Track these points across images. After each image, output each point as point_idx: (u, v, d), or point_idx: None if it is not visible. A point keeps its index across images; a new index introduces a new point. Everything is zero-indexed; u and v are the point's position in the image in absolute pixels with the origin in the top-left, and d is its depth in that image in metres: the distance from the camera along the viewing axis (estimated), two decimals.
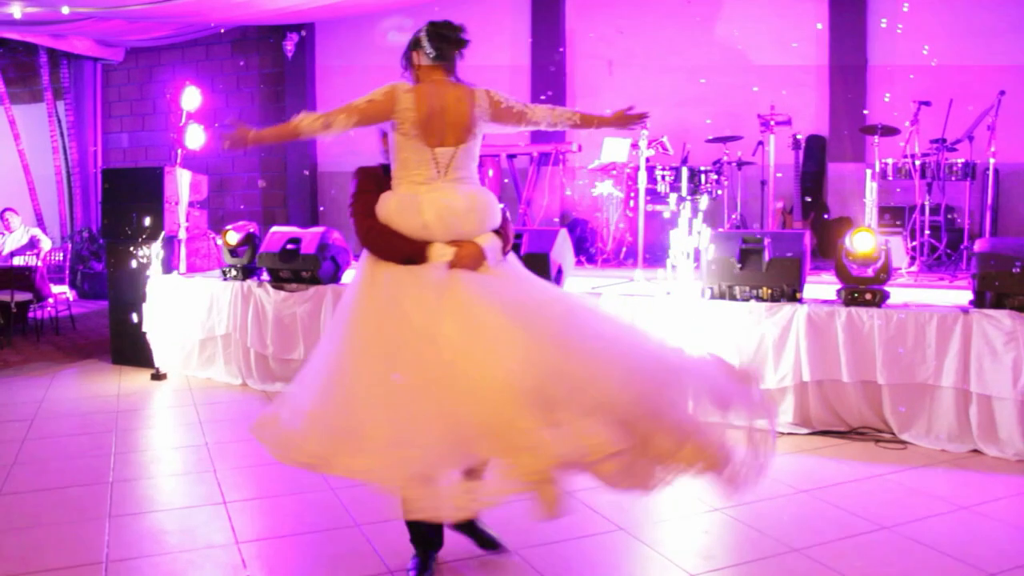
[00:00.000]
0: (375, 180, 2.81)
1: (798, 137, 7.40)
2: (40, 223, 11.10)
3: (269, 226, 6.59)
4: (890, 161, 6.75)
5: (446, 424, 2.34)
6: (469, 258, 2.63)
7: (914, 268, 6.37)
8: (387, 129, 2.74)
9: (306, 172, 10.70)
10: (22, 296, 7.60)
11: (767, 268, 4.59)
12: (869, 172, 6.59)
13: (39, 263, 8.34)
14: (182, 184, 6.68)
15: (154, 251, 6.33)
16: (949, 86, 7.14)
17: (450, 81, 2.78)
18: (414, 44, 2.78)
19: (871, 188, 6.49)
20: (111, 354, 6.73)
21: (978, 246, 4.41)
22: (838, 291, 4.51)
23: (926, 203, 6.58)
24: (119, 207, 6.67)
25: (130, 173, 7.38)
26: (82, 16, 8.69)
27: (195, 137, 6.78)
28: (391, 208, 2.70)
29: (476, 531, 2.96)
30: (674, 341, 3.00)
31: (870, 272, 4.43)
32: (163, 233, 6.44)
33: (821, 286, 5.12)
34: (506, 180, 8.48)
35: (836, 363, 4.35)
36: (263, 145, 3.21)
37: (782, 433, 4.41)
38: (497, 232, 2.75)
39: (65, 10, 8.03)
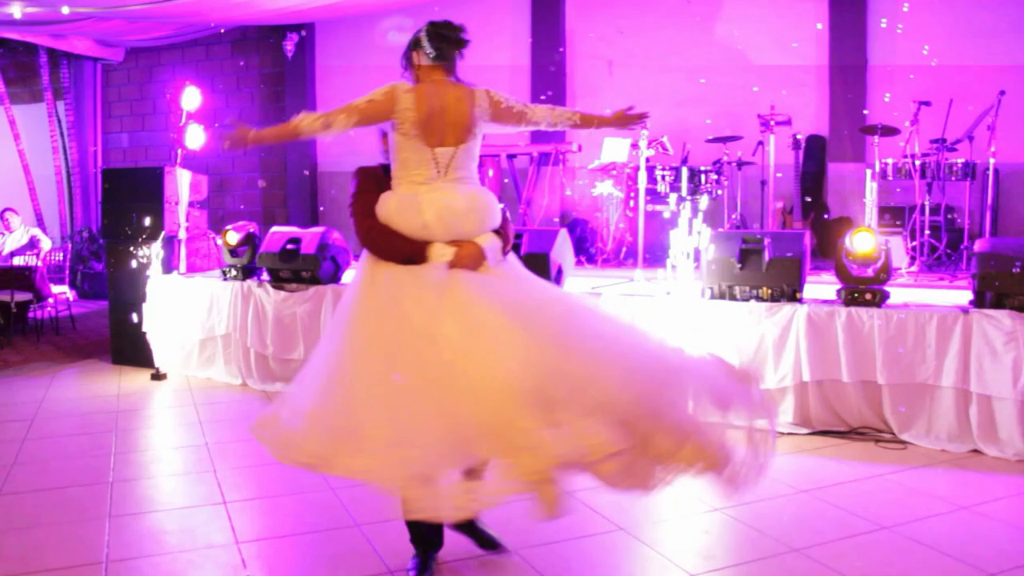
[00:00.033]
0: (375, 180, 2.81)
1: (798, 137, 7.40)
2: (40, 223, 11.10)
3: (269, 226, 6.59)
4: (890, 161, 6.75)
5: (446, 424, 2.34)
6: (469, 258, 2.63)
7: (914, 268, 6.37)
8: (387, 129, 2.74)
9: (306, 172, 10.70)
10: (22, 296, 7.60)
11: (767, 268, 4.59)
12: (869, 172, 6.59)
13: (39, 263, 8.34)
14: (182, 184, 6.68)
15: (154, 251, 6.33)
16: (949, 86, 7.14)
17: (450, 81, 2.78)
18: (414, 44, 2.78)
19: (871, 188, 6.49)
20: (111, 354, 6.73)
21: (978, 246, 4.41)
22: (838, 291, 4.51)
23: (926, 203, 6.58)
24: (119, 207, 6.67)
25: (130, 173, 7.38)
26: (82, 16, 8.69)
27: (195, 137, 6.78)
28: (391, 208, 2.70)
29: (476, 531, 2.96)
30: (674, 341, 3.00)
31: (870, 272, 4.43)
32: (163, 233, 6.44)
33: (821, 286, 5.12)
34: (506, 180, 8.48)
35: (836, 363, 4.35)
36: (263, 145, 3.21)
37: (782, 433, 4.41)
38: (497, 232, 2.75)
39: (65, 10, 8.03)
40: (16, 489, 3.82)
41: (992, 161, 6.35)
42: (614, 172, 7.77)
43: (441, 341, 2.43)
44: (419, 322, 2.49)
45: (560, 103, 9.03)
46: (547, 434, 2.24)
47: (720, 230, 5.66)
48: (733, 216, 7.80)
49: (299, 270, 5.73)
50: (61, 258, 9.00)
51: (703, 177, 7.41)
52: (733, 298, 4.67)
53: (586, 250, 7.89)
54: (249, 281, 5.93)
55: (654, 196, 7.24)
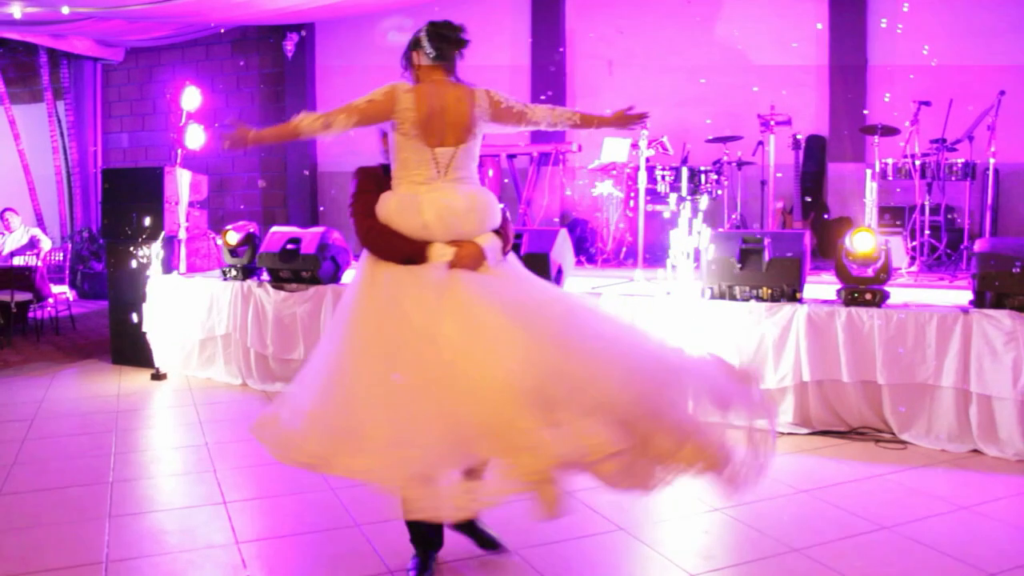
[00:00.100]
0: (375, 180, 2.81)
1: (798, 137, 7.40)
2: (40, 223, 11.10)
3: (269, 226, 6.59)
4: (890, 161, 6.75)
5: (446, 424, 2.34)
6: (469, 258, 2.63)
7: (914, 268, 6.37)
8: (387, 129, 2.75)
9: (306, 172, 10.70)
10: (22, 296, 7.60)
11: (767, 268, 4.59)
12: (869, 172, 6.59)
13: (39, 263, 8.34)
14: (182, 184, 6.68)
15: (154, 251, 6.33)
16: (949, 86, 7.14)
17: (450, 81, 2.78)
18: (414, 44, 2.79)
19: (871, 188, 6.49)
20: (111, 354, 6.73)
21: (978, 246, 4.41)
22: (838, 291, 4.51)
23: (926, 203, 6.58)
24: (119, 207, 6.68)
25: (130, 173, 7.39)
26: (82, 16, 8.69)
27: (195, 137, 6.78)
28: (391, 208, 2.71)
29: (476, 531, 2.96)
30: (674, 341, 3.00)
31: (870, 272, 4.43)
32: (163, 233, 6.44)
33: (821, 286, 5.12)
34: (506, 180, 8.48)
35: (836, 363, 4.35)
36: (263, 145, 3.21)
37: (782, 433, 4.41)
38: (497, 232, 2.75)
39: (65, 10, 8.03)
40: (16, 489, 3.82)
41: (992, 161, 6.35)
42: (614, 172, 7.77)
43: (441, 341, 2.43)
44: (419, 322, 2.49)
45: (560, 103, 9.03)
46: (547, 434, 2.24)
47: (720, 230, 5.66)
48: (733, 216, 7.80)
49: (299, 270, 5.73)
50: (61, 258, 9.00)
51: (703, 177, 7.42)
52: (733, 298, 4.67)
53: (586, 250, 7.89)
54: (249, 281, 5.93)
55: (654, 196, 7.24)
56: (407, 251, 2.65)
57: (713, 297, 4.72)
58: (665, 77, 8.79)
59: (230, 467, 4.12)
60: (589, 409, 2.28)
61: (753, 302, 4.58)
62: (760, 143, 7.56)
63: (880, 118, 7.27)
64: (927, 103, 6.60)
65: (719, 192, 7.57)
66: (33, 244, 8.86)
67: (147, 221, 6.47)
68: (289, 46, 10.44)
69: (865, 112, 8.14)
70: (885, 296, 4.42)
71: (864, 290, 4.40)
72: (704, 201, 7.20)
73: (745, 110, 7.92)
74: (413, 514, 2.57)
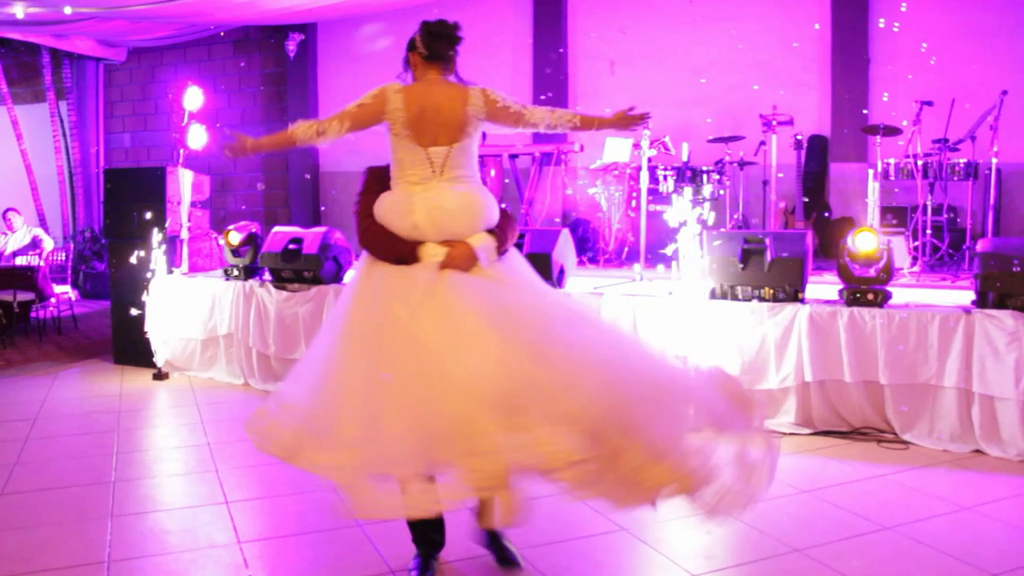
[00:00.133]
0: (378, 180, 2.83)
1: (799, 137, 7.40)
2: (42, 223, 11.11)
3: (271, 226, 6.60)
4: (892, 161, 6.74)
5: (410, 424, 2.34)
6: (460, 259, 2.63)
7: (916, 268, 6.36)
8: (383, 131, 2.76)
9: (307, 173, 10.71)
10: (24, 296, 7.60)
11: (769, 268, 4.58)
12: (871, 172, 6.58)
13: (41, 263, 8.35)
14: (184, 184, 6.69)
15: (156, 251, 6.33)
16: (951, 86, 7.12)
17: (444, 80, 2.79)
18: (411, 45, 2.81)
19: (873, 188, 6.49)
20: (113, 354, 6.74)
21: (980, 246, 4.40)
22: (840, 291, 4.51)
23: (928, 203, 6.57)
24: (121, 207, 6.69)
25: (132, 173, 7.41)
26: (84, 16, 8.70)
27: (197, 137, 6.78)
28: (384, 208, 2.73)
29: (499, 546, 2.92)
30: (677, 352, 2.98)
31: (872, 272, 4.42)
32: (165, 233, 6.45)
33: (823, 286, 5.12)
34: (507, 180, 8.48)
35: (838, 363, 4.35)
36: (262, 153, 3.24)
37: (784, 433, 4.41)
38: (492, 232, 2.75)
39: (68, 10, 8.03)
40: (18, 488, 3.82)
41: (994, 161, 6.34)
42: (616, 172, 7.77)
43: (420, 341, 2.44)
44: (403, 322, 2.50)
45: (561, 103, 9.04)
46: (504, 439, 2.23)
47: (722, 230, 5.66)
48: (735, 216, 7.79)
49: (301, 270, 5.74)
50: (63, 258, 9.00)
51: (705, 177, 7.41)
52: (735, 298, 4.66)
53: (588, 250, 7.89)
54: (251, 281, 5.94)
55: (656, 196, 7.24)
56: (399, 251, 2.66)
57: (715, 297, 4.72)
58: (666, 77, 8.79)
59: (232, 467, 4.12)
60: (556, 417, 2.25)
61: (755, 302, 4.58)
62: (762, 143, 7.55)
63: (882, 118, 7.26)
64: (929, 103, 6.59)
65: (721, 192, 7.56)
66: (35, 244, 8.87)
67: (149, 221, 6.48)
68: (291, 46, 10.44)
69: (866, 112, 8.13)
70: (887, 296, 4.41)
71: (866, 290, 4.40)
72: (707, 201, 7.21)
73: (747, 110, 7.92)
74: (365, 513, 2.60)
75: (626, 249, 7.67)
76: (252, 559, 3.05)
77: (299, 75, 10.71)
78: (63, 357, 7.02)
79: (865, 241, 4.46)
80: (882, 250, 4.44)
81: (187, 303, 6.15)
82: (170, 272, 6.38)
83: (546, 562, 2.95)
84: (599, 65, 9.35)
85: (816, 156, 8.40)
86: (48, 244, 8.98)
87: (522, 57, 9.55)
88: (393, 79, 2.81)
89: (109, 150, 11.79)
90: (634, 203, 7.46)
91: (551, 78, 9.34)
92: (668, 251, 5.46)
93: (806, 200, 7.74)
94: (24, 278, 7.65)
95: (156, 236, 6.36)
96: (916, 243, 6.54)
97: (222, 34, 10.71)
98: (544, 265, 4.93)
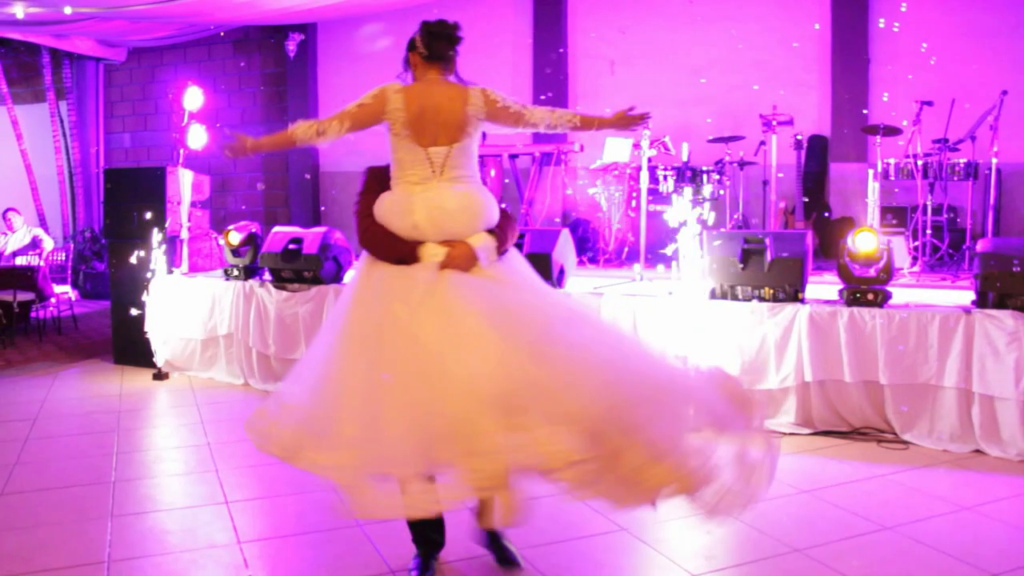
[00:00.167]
0: (378, 180, 2.83)
1: (799, 137, 7.40)
2: (42, 223, 11.11)
3: (271, 226, 6.60)
4: (892, 161, 6.74)
5: (410, 424, 2.34)
6: (460, 259, 2.63)
7: (916, 268, 6.36)
8: (383, 131, 2.76)
9: (307, 173, 10.71)
10: (24, 296, 7.60)
11: (769, 268, 4.58)
12: (871, 172, 6.58)
13: (41, 263, 8.35)
14: (184, 184, 6.69)
15: (156, 251, 6.33)
16: (951, 86, 7.12)
17: (444, 80, 2.79)
18: (411, 45, 2.81)
19: (873, 188, 6.49)
20: (113, 354, 6.74)
21: (980, 246, 4.40)
22: (840, 291, 4.51)
23: (928, 203, 6.57)
24: (121, 207, 6.69)
25: (132, 173, 7.41)
26: (84, 16, 8.70)
27: (197, 137, 6.78)
28: (384, 208, 2.73)
29: (499, 546, 2.92)
30: (677, 353, 2.98)
31: (872, 272, 4.42)
32: (165, 233, 6.45)
33: (823, 286, 5.12)
34: (507, 180, 8.48)
35: (838, 363, 4.35)
36: (262, 153, 3.25)
37: (784, 433, 4.41)
38: (492, 232, 2.75)
39: (68, 10, 8.03)
40: (18, 488, 3.82)
41: (994, 161, 6.34)
42: (616, 172, 7.77)
43: (421, 341, 2.44)
44: (403, 322, 2.50)
45: (561, 103, 9.04)
46: (503, 439, 2.23)
47: (722, 230, 5.66)
48: (735, 216, 7.79)
49: (301, 270, 5.74)
50: (63, 258, 9.00)
51: (705, 177, 7.41)
52: (735, 298, 4.66)
53: (588, 250, 7.89)
54: (251, 281, 5.94)
55: (656, 196, 7.24)
56: (399, 251, 2.66)
57: (715, 297, 4.72)
58: (666, 77, 8.79)
59: (232, 467, 4.12)
60: (556, 417, 2.26)
61: (755, 302, 4.58)
62: (762, 143, 7.55)
63: (882, 118, 7.26)
64: (929, 103, 6.59)
65: (721, 192, 7.56)
66: (35, 244, 8.87)
67: (149, 221, 6.48)
68: (291, 46, 10.44)
69: (865, 112, 8.13)
70: (887, 296, 4.42)
71: (866, 290, 4.40)
72: (706, 201, 7.21)
73: (747, 110, 7.92)
74: (367, 514, 2.60)
75: (626, 249, 7.67)
76: (252, 559, 3.05)
77: (299, 75, 10.70)
78: (63, 357, 7.02)
79: (865, 241, 4.46)
80: (882, 250, 4.44)
81: (187, 303, 6.15)
82: (170, 272, 6.38)
83: (546, 562, 2.95)
84: (599, 65, 9.35)
85: (816, 156, 8.40)
86: (48, 244, 8.98)
87: (522, 57, 9.55)
88: (393, 79, 2.81)
89: (109, 150, 11.79)
90: (634, 203, 7.46)
91: (551, 78, 9.34)
92: (668, 251, 5.46)
93: (806, 200, 7.74)
94: (24, 278, 7.65)
95: (156, 236, 6.36)
96: (916, 243, 6.54)
97: (222, 34, 10.71)
98: (544, 265, 4.93)
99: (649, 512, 3.32)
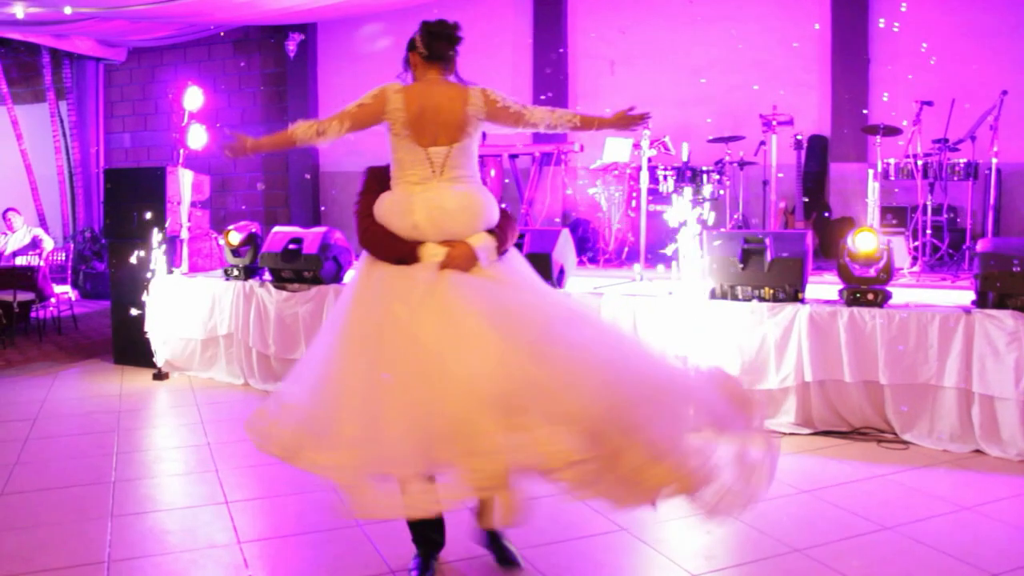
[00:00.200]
0: (378, 180, 2.83)
1: (799, 137, 7.40)
2: (42, 223, 11.11)
3: (271, 226, 6.60)
4: (892, 161, 6.74)
5: (411, 424, 2.34)
6: (460, 259, 2.63)
7: (916, 268, 6.36)
8: (383, 131, 2.76)
9: (307, 173, 10.71)
10: (24, 296, 7.60)
11: (769, 268, 4.58)
12: (871, 172, 6.58)
13: (41, 263, 8.35)
14: (184, 184, 6.69)
15: (156, 251, 6.33)
16: (951, 86, 7.12)
17: (444, 80, 2.79)
18: (411, 45, 2.82)
19: (873, 188, 6.49)
20: (113, 354, 6.74)
21: (980, 246, 4.40)
22: (840, 291, 4.51)
23: (928, 203, 6.57)
24: (121, 207, 6.69)
25: (132, 173, 7.41)
26: (84, 16, 8.70)
27: (197, 137, 6.78)
28: (384, 208, 2.73)
29: (499, 546, 2.92)
30: (677, 352, 2.98)
31: (872, 272, 4.42)
32: (165, 233, 6.45)
33: (823, 286, 5.12)
34: (507, 180, 8.48)
35: (838, 363, 4.35)
36: (262, 153, 3.25)
37: (784, 433, 4.41)
38: (492, 232, 2.75)
39: (68, 10, 8.03)
40: (18, 488, 3.82)
41: (994, 161, 6.34)
42: (616, 172, 7.77)
43: (421, 341, 2.44)
44: (403, 322, 2.50)
45: (561, 103, 9.04)
46: (503, 439, 2.23)
47: (722, 230, 5.66)
48: (735, 216, 7.79)
49: (301, 270, 5.74)
50: (63, 258, 9.00)
51: (705, 177, 7.41)
52: (735, 298, 4.66)
53: (588, 250, 7.89)
54: (251, 281, 5.94)
55: (656, 196, 7.24)
56: (399, 251, 2.66)
57: (715, 297, 4.72)
58: (666, 77, 8.79)
59: (232, 467, 4.12)
60: (556, 417, 2.26)
61: (755, 302, 4.58)
62: (762, 143, 7.55)
63: (882, 118, 7.26)
64: (929, 103, 6.59)
65: (721, 192, 7.56)
66: (35, 244, 8.87)
67: (149, 221, 6.48)
68: (291, 46, 10.44)
69: (865, 112, 8.13)
70: (887, 296, 4.42)
71: (866, 290, 4.40)
72: (706, 201, 7.21)
73: (747, 110, 7.92)
74: (364, 514, 2.60)
75: (626, 249, 7.67)
76: (252, 559, 3.05)
77: (299, 75, 10.70)
78: (63, 357, 7.02)
79: (865, 241, 4.46)
80: (882, 250, 4.44)
81: (187, 303, 6.15)
82: (170, 272, 6.38)
83: (546, 562, 2.95)
84: (599, 65, 9.35)
85: (816, 156, 8.40)
86: (48, 244, 8.98)
87: (522, 57, 9.55)
88: (393, 79, 2.81)
89: (109, 150, 11.79)
90: (634, 203, 7.46)
91: (551, 78, 9.34)
92: (668, 251, 5.46)
93: (806, 200, 7.74)
94: (24, 278, 7.65)
95: (156, 236, 6.36)
96: (916, 243, 6.54)
97: (222, 34, 10.71)
98: (544, 265, 4.93)
99: (649, 512, 3.33)
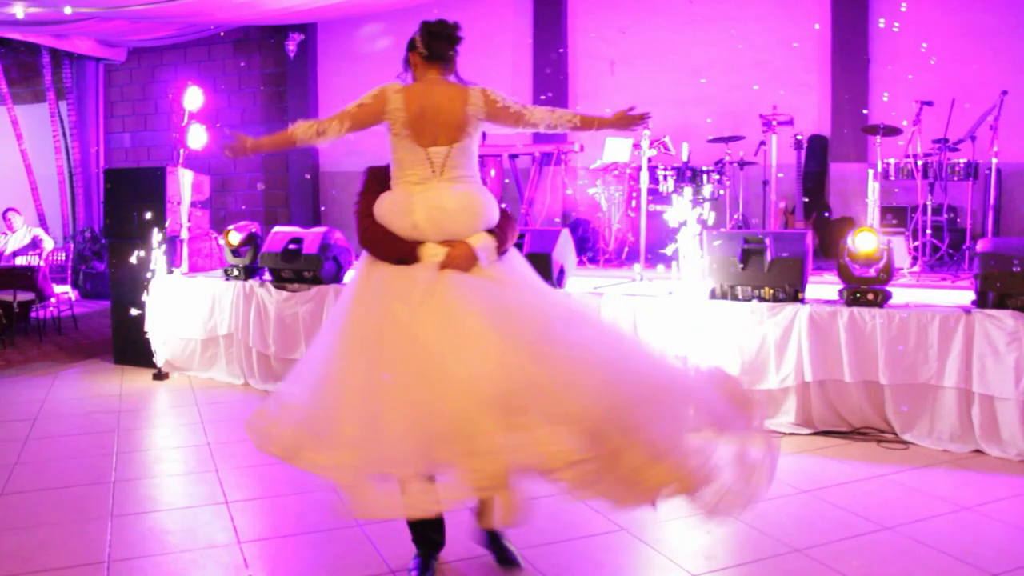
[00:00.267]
0: (378, 180, 2.83)
1: (799, 137, 7.40)
2: (42, 223, 11.11)
3: (271, 226, 6.60)
4: (892, 161, 6.74)
5: (411, 424, 2.34)
6: (460, 259, 2.63)
7: (916, 268, 6.36)
8: (383, 131, 2.76)
9: (307, 173, 10.71)
10: (24, 296, 7.60)
11: (769, 268, 4.59)
12: (871, 172, 6.58)
13: (41, 263, 8.35)
14: (184, 184, 6.69)
15: (156, 251, 6.33)
16: (951, 86, 7.12)
17: (444, 80, 2.79)
18: (411, 45, 2.82)
19: (873, 188, 6.49)
20: (113, 354, 6.74)
21: (980, 246, 4.40)
22: (840, 291, 4.51)
23: (928, 203, 6.57)
24: (121, 207, 6.69)
25: (132, 173, 7.42)
26: (84, 16, 8.70)
27: (197, 137, 6.78)
28: (384, 208, 2.73)
29: (499, 546, 2.92)
30: (677, 352, 2.97)
31: (872, 272, 4.42)
32: (165, 233, 6.45)
33: (823, 286, 5.12)
34: (507, 180, 8.48)
35: (838, 363, 4.35)
36: (262, 152, 3.25)
37: (784, 433, 4.41)
38: (492, 232, 2.75)
39: (68, 10, 8.03)
40: (18, 488, 3.82)
41: (995, 161, 6.34)
42: (616, 172, 7.77)
43: (421, 341, 2.44)
44: (403, 322, 2.50)
45: (561, 103, 9.04)
46: (503, 439, 2.23)
47: (722, 230, 5.66)
48: (735, 216, 7.79)
49: (301, 270, 5.74)
50: (63, 258, 9.01)
51: (705, 177, 7.41)
52: (735, 298, 4.66)
53: (588, 250, 7.89)
54: (251, 281, 5.94)
55: (656, 196, 7.24)
56: (399, 251, 2.66)
57: (715, 297, 4.72)
58: (666, 77, 8.79)
59: (232, 467, 4.12)
60: (556, 417, 2.26)
61: (755, 302, 4.58)
62: (762, 143, 7.55)
63: (882, 118, 7.26)
64: (929, 103, 6.59)
65: (721, 192, 7.56)
66: (35, 244, 8.87)
67: (149, 221, 6.48)
68: (291, 46, 10.44)
69: (865, 112, 8.13)
70: (887, 296, 4.42)
71: (866, 290, 4.40)
72: (706, 201, 7.21)
73: (747, 110, 7.92)
74: (364, 514, 2.61)
75: (626, 249, 7.67)
76: (252, 559, 3.05)
77: (299, 75, 10.70)
78: (63, 357, 7.02)
79: (865, 241, 4.46)
80: (882, 250, 4.44)
81: (187, 303, 6.15)
82: (170, 272, 6.38)
83: (546, 562, 2.95)
84: (599, 65, 9.35)
85: (816, 156, 8.40)
86: (48, 244, 8.98)
87: (522, 57, 9.55)
88: (393, 79, 2.81)
89: (109, 150, 11.79)
90: (634, 203, 7.46)
91: (551, 78, 9.34)
92: (668, 251, 5.46)
93: (806, 200, 7.74)
94: (24, 278, 7.65)
95: (156, 236, 6.36)
96: (916, 243, 6.54)
97: (222, 34, 10.71)
98: (544, 265, 4.93)
99: (649, 512, 3.33)
